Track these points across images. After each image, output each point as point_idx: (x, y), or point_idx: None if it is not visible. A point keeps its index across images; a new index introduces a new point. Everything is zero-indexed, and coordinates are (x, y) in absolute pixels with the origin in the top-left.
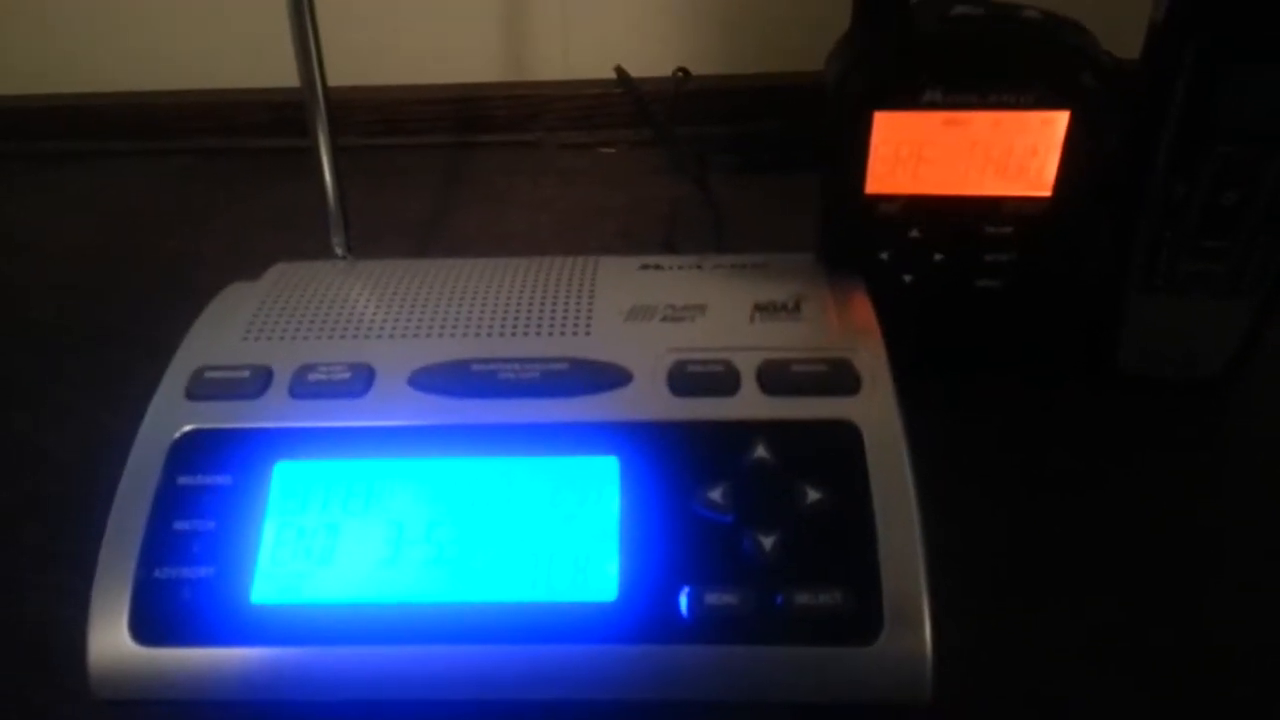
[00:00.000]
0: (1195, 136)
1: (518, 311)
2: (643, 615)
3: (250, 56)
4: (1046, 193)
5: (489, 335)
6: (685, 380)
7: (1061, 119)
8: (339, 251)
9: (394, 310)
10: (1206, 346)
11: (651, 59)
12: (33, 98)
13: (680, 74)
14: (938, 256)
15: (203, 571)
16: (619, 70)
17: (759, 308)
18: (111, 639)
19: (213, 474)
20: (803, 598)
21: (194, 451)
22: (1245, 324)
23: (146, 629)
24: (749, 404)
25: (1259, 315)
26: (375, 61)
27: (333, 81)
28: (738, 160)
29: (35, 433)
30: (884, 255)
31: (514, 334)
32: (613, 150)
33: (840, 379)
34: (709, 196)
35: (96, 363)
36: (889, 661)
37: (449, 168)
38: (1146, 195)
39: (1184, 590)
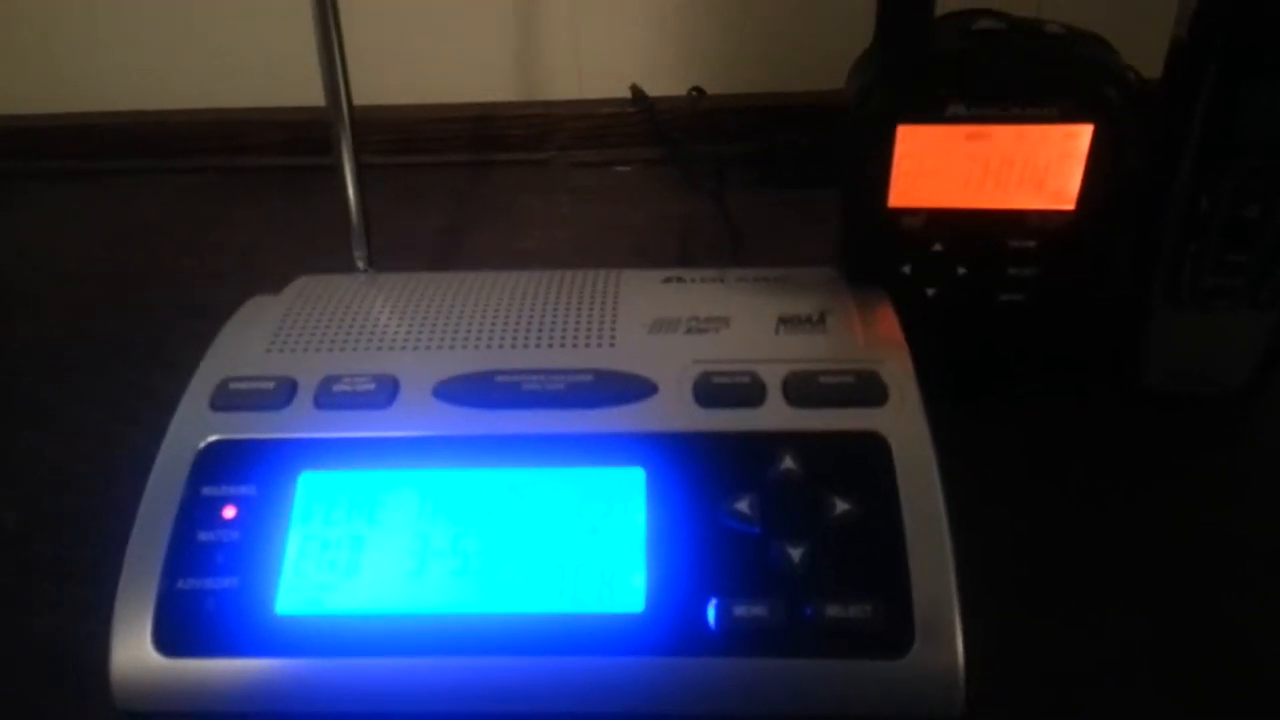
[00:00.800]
0: (1217, 151)
1: (541, 323)
2: (670, 627)
3: (261, 76)
4: (1070, 206)
5: (513, 347)
6: (711, 392)
7: (1085, 132)
8: (360, 265)
9: (418, 322)
10: (1229, 360)
11: (665, 78)
12: (44, 117)
13: (695, 93)
14: (961, 270)
15: (227, 582)
16: (634, 89)
17: (783, 320)
18: (135, 650)
19: (237, 484)
20: (832, 610)
21: (218, 462)
22: (1267, 337)
23: (170, 640)
24: (775, 416)
25: None
26: (390, 82)
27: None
28: (756, 175)
29: (48, 449)
30: (906, 269)
31: (538, 345)
32: (627, 169)
33: (867, 390)
34: (725, 213)
35: (109, 379)
36: (920, 675)
37: (464, 187)
38: (1169, 210)
39: (1209, 602)
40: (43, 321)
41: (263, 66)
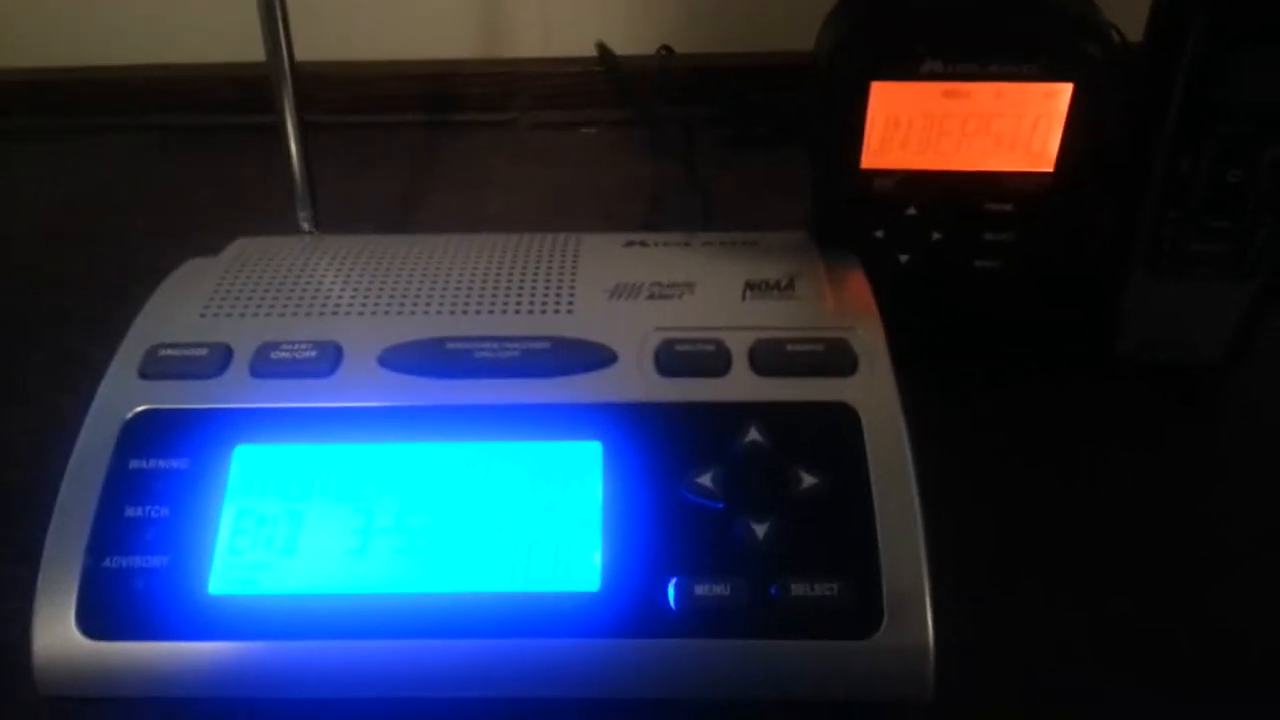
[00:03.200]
0: (1199, 114)
1: (495, 288)
2: (627, 607)
3: (214, 31)
4: (1049, 169)
5: (465, 313)
6: (673, 360)
7: (1065, 91)
8: (305, 227)
9: (363, 286)
10: (1208, 330)
11: (633, 36)
12: None
13: (664, 52)
14: (935, 235)
15: (156, 561)
16: (601, 47)
17: (750, 286)
18: (57, 632)
19: (167, 457)
20: (798, 588)
21: (147, 433)
22: (1247, 307)
23: (95, 621)
24: (740, 385)
25: (1261, 298)
26: (344, 35)
27: (300, 56)
28: (727, 135)
29: None
30: (879, 234)
31: (491, 312)
32: (593, 130)
33: (836, 359)
34: (695, 175)
35: (47, 347)
36: (889, 656)
37: (422, 147)
38: (1150, 174)
39: (1187, 581)
40: None
41: (215, 22)
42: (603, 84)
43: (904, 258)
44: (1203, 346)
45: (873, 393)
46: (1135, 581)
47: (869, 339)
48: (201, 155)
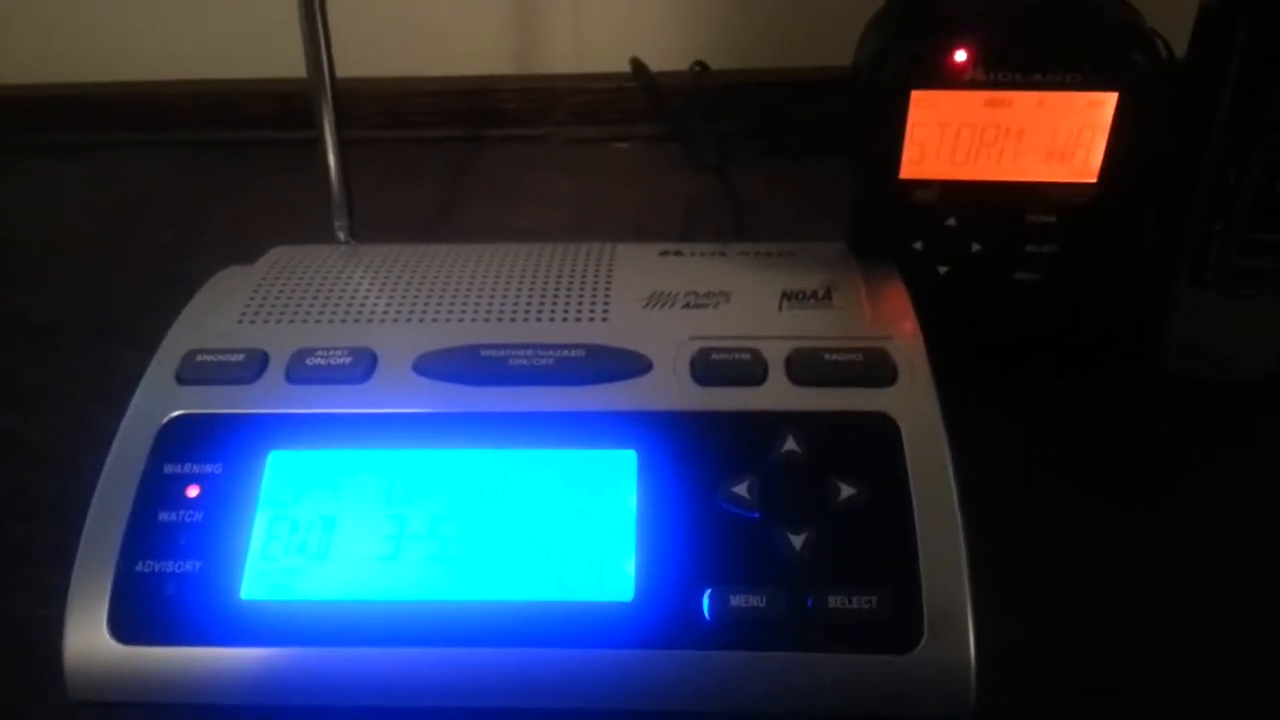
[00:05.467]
0: (1245, 125)
1: (530, 296)
2: (662, 617)
3: (256, 46)
4: (1092, 179)
5: (499, 320)
6: (709, 369)
7: (1109, 100)
8: (341, 236)
9: (398, 294)
10: (1253, 346)
11: (667, 52)
12: (30, 88)
13: (698, 68)
14: (975, 247)
15: (189, 566)
16: (635, 62)
17: (787, 296)
18: (89, 637)
19: (202, 462)
20: (835, 601)
21: (182, 438)
22: None
23: (127, 626)
24: (777, 394)
25: None
26: (381, 53)
27: (338, 73)
28: (763, 148)
29: (24, 429)
30: (918, 245)
31: (526, 319)
32: (627, 145)
33: (876, 369)
34: (729, 188)
35: (85, 357)
36: (929, 671)
37: (457, 162)
38: (1196, 185)
39: (1226, 595)
40: (21, 297)
41: (254, 37)
42: (637, 99)
43: (943, 269)
44: (1247, 362)
45: (913, 403)
46: (1174, 596)
47: (908, 349)
48: (234, 169)
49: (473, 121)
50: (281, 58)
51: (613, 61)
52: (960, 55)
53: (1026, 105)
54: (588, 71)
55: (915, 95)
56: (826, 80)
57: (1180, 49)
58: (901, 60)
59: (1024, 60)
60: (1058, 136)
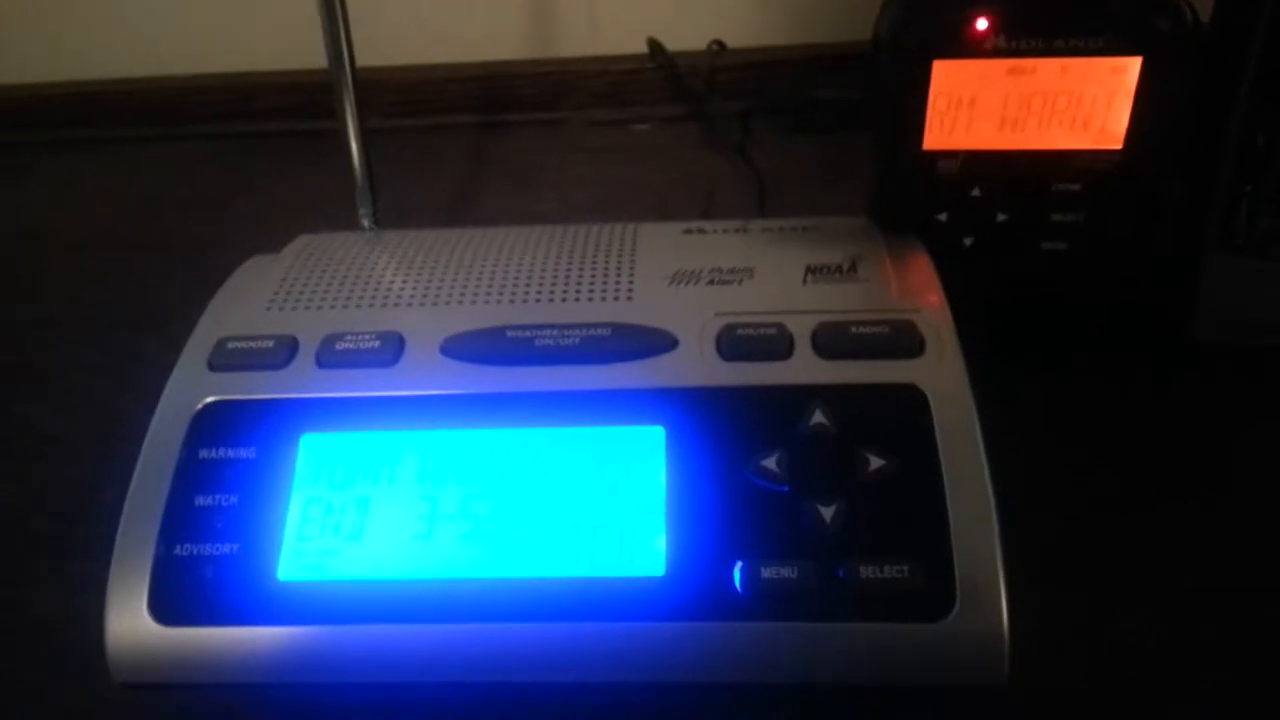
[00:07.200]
0: (1273, 86)
1: (555, 277)
2: (694, 591)
3: (271, 39)
4: (1117, 146)
5: (525, 301)
6: (735, 344)
7: (1133, 65)
8: (366, 223)
9: (424, 278)
10: None
11: (684, 32)
12: (51, 85)
13: (715, 47)
14: (1001, 217)
15: (226, 548)
16: (652, 42)
17: (811, 270)
18: (130, 619)
19: (236, 447)
20: (867, 571)
21: (216, 424)
22: None
23: (167, 608)
24: (804, 368)
25: None
26: (398, 41)
27: (357, 61)
28: (783, 125)
29: (50, 420)
30: (942, 216)
31: (551, 300)
32: (646, 127)
33: (903, 341)
34: (751, 166)
35: (111, 350)
36: (961, 639)
37: (476, 148)
38: (1224, 148)
39: (1260, 571)
40: (47, 291)
41: (272, 29)
42: (654, 80)
43: (969, 240)
44: None
45: (941, 374)
46: (1209, 575)
47: (936, 320)
48: (255, 161)
49: (492, 107)
50: (297, 49)
51: (630, 43)
52: (982, 23)
53: (1050, 72)
54: (605, 54)
55: (937, 65)
56: (844, 55)
57: (1204, 11)
58: (922, 30)
59: (1046, 27)
60: (1082, 103)
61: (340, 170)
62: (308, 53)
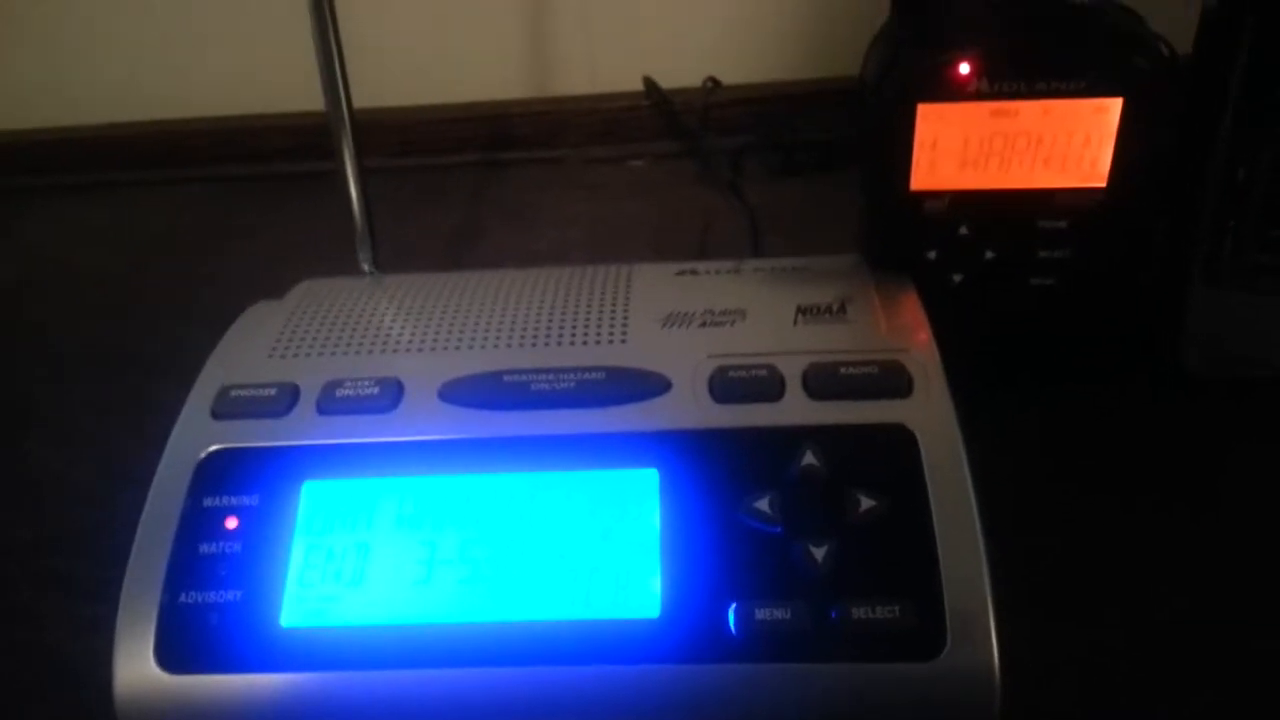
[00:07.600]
0: (1254, 119)
1: (550, 321)
2: (688, 632)
3: (269, 83)
4: (1101, 184)
5: (520, 346)
6: (727, 386)
7: (1115, 106)
8: (366, 268)
9: (422, 323)
10: (1273, 344)
11: (679, 70)
12: (52, 130)
13: (710, 84)
14: (988, 254)
15: (230, 595)
16: (647, 80)
17: (802, 310)
18: (137, 666)
19: (239, 494)
20: (859, 612)
21: (220, 472)
22: None
23: (173, 656)
24: (795, 409)
25: None
26: (396, 82)
27: (354, 104)
28: (776, 162)
29: (58, 463)
30: (931, 255)
31: (546, 344)
32: (641, 163)
33: (891, 381)
34: (744, 203)
35: (118, 392)
36: (953, 679)
37: (475, 187)
38: (1206, 184)
39: (1251, 598)
40: (52, 335)
41: (270, 73)
42: (650, 118)
43: (957, 278)
44: (1269, 359)
45: (929, 413)
46: (1196, 601)
47: (924, 359)
48: (255, 204)
49: (489, 146)
50: (294, 91)
51: (625, 81)
52: (964, 68)
53: (1033, 114)
54: (601, 92)
55: (922, 108)
56: (837, 91)
57: (1182, 48)
58: (906, 74)
59: (1028, 70)
60: (1065, 143)
61: (340, 211)
62: (306, 95)
